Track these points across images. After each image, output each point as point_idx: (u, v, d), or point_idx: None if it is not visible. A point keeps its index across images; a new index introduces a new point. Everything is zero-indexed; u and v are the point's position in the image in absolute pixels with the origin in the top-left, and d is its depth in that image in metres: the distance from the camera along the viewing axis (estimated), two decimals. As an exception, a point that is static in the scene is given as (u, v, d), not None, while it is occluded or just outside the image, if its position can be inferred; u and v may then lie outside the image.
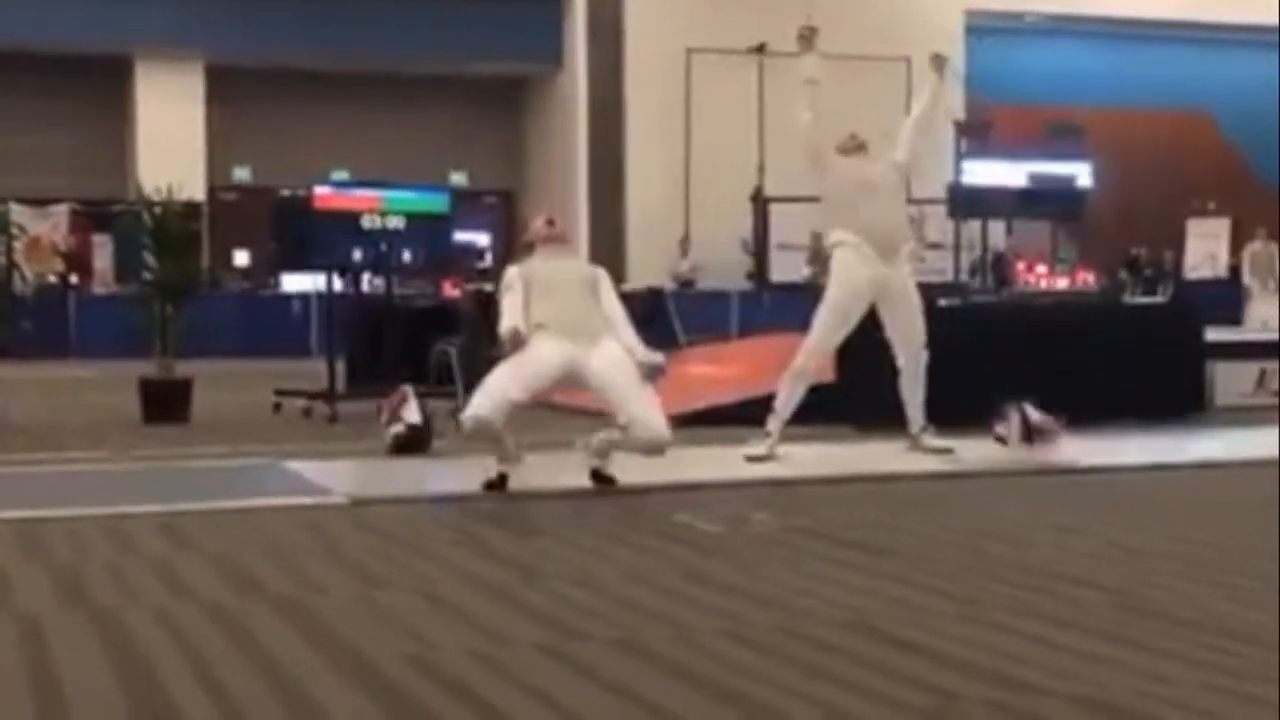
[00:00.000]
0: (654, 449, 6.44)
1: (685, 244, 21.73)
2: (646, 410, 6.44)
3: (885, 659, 3.70)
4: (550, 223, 7.03)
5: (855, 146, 7.94)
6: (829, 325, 7.65)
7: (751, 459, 7.37)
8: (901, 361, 7.75)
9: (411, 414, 7.97)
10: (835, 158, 7.87)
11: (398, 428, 7.91)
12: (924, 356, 7.77)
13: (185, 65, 22.20)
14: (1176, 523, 6.01)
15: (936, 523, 5.98)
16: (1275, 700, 3.29)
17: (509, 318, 6.57)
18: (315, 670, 3.61)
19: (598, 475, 6.65)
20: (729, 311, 19.49)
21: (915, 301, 7.82)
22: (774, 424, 7.55)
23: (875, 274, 7.62)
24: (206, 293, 14.64)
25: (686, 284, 20.53)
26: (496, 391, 6.34)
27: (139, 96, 22.36)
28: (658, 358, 6.63)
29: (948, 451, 7.63)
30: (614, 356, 6.56)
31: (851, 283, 7.63)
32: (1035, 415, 7.57)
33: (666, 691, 3.41)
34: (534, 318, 6.56)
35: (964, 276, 17.51)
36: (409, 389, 8.17)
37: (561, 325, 6.55)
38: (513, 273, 6.85)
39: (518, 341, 6.40)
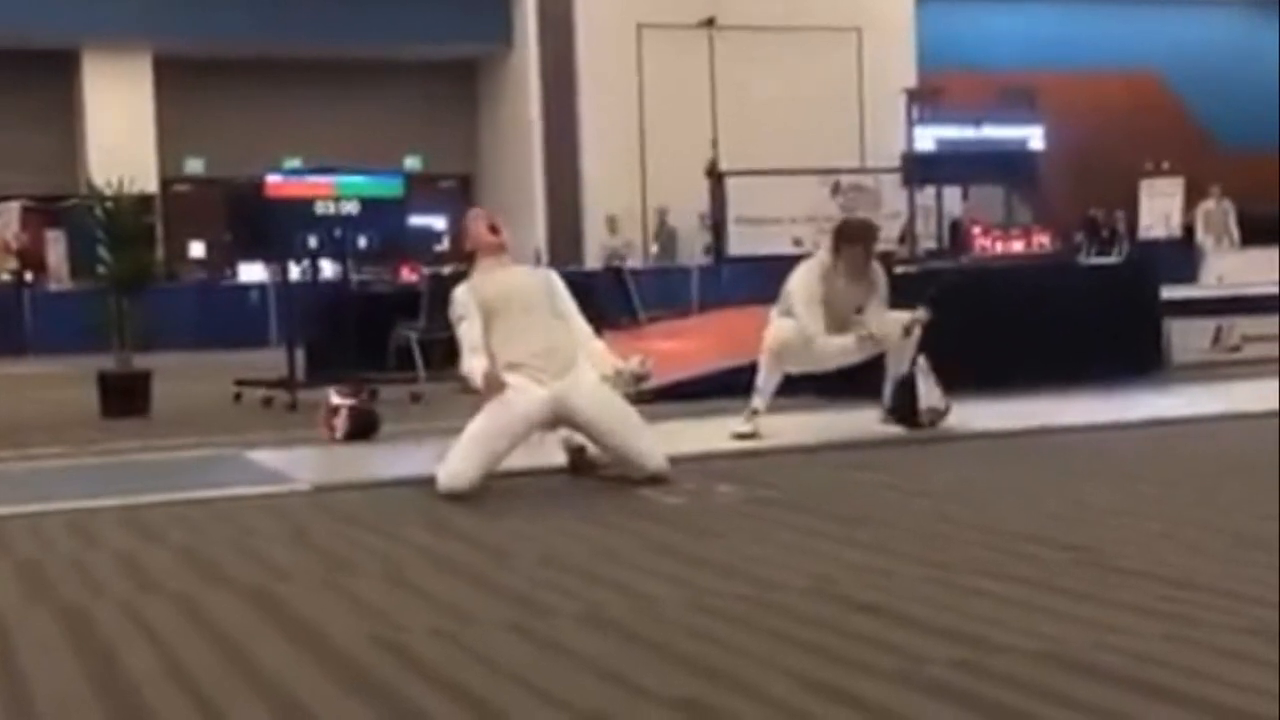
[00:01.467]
0: (657, 480, 6.12)
1: (614, 222, 21.63)
2: (644, 445, 6.22)
3: (853, 624, 3.72)
4: (494, 230, 6.54)
5: (858, 271, 7.48)
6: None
7: (738, 435, 7.33)
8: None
9: (341, 421, 7.92)
10: (829, 289, 7.42)
11: (336, 435, 7.88)
12: (914, 333, 7.51)
13: (133, 57, 22.03)
14: (1137, 480, 6.06)
15: (901, 488, 6.01)
16: (1239, 650, 3.33)
17: (475, 356, 6.20)
18: (284, 656, 3.61)
19: (578, 464, 6.50)
20: (689, 286, 19.49)
21: (877, 317, 7.58)
22: (758, 401, 7.46)
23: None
24: (163, 285, 14.53)
25: (619, 259, 20.38)
26: (475, 455, 6.00)
27: (87, 90, 22.18)
28: (633, 365, 6.34)
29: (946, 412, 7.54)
30: (595, 389, 6.23)
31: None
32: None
33: (635, 664, 3.42)
34: (504, 355, 6.20)
35: (892, 245, 17.58)
36: (333, 397, 8.11)
37: (537, 365, 6.19)
38: (463, 296, 6.35)
39: (496, 386, 6.06)
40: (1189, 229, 23.17)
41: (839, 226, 7.82)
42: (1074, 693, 3.07)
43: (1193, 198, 23.47)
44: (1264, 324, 11.28)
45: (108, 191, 10.04)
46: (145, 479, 6.86)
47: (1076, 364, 9.44)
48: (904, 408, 7.47)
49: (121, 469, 7.34)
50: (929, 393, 7.44)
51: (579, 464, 6.50)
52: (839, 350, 7.49)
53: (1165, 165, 25.00)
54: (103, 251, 9.96)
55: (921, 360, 7.49)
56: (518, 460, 6.32)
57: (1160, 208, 24.21)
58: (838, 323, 7.45)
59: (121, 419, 9.38)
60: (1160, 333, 10.60)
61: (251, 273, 19.70)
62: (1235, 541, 4.58)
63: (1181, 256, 20.44)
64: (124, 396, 9.64)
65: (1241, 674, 3.15)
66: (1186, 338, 10.93)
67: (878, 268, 7.68)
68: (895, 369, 7.58)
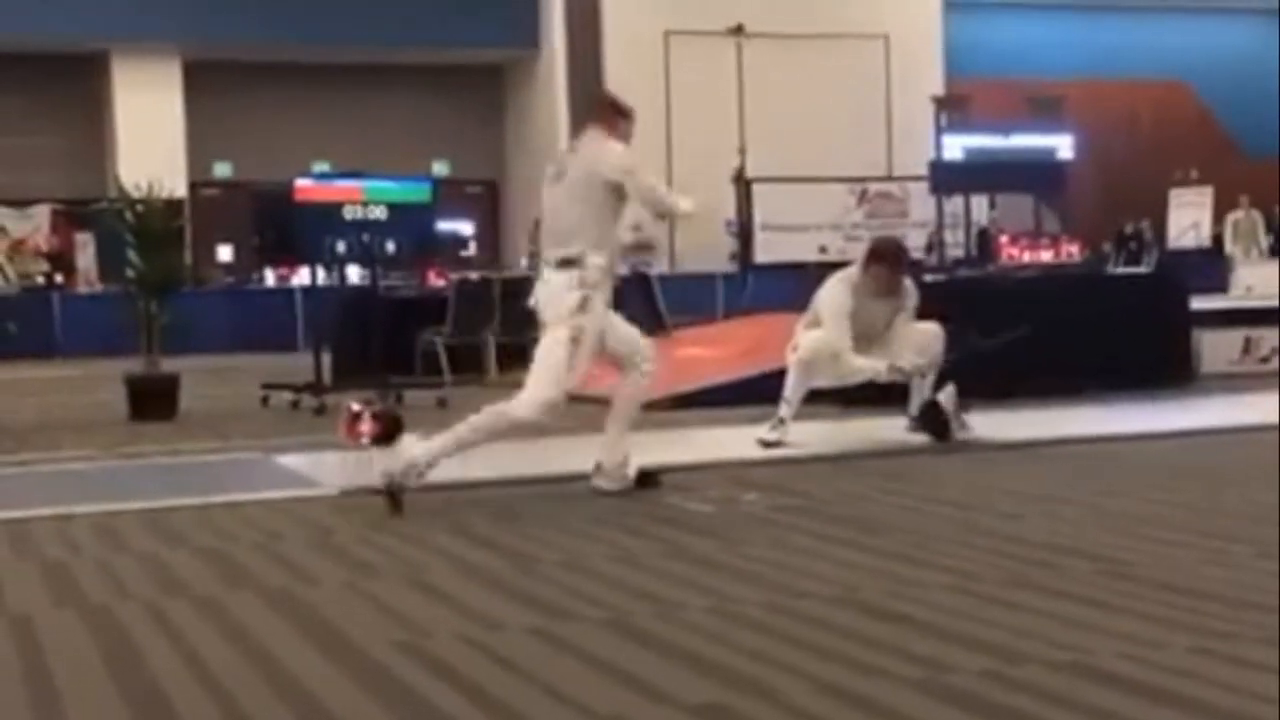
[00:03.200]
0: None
1: (638, 229, 21.60)
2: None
3: (875, 632, 3.71)
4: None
5: (885, 289, 7.52)
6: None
7: (764, 443, 7.31)
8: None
9: (367, 425, 7.86)
10: (857, 303, 7.42)
11: (363, 440, 7.81)
12: (938, 348, 7.54)
13: (162, 60, 22.14)
14: (1164, 490, 6.03)
15: (926, 497, 6.00)
16: (1262, 661, 3.31)
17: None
18: (307, 659, 3.62)
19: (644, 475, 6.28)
20: (714, 293, 19.50)
21: (903, 328, 7.62)
22: (785, 409, 7.43)
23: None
24: (191, 289, 14.60)
25: (644, 266, 20.29)
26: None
27: (117, 93, 22.30)
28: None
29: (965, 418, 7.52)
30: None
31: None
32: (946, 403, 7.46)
33: (656, 669, 3.42)
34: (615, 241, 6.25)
35: (920, 253, 17.57)
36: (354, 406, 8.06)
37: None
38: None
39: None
40: (1218, 239, 23.08)
41: (871, 245, 7.87)
42: (1099, 703, 3.06)
43: (1222, 207, 23.38)
44: (1295, 335, 11.22)
45: (137, 195, 10.08)
46: (172, 482, 6.90)
47: (1105, 374, 9.40)
48: (931, 418, 7.45)
49: (148, 472, 7.37)
50: (955, 416, 7.41)
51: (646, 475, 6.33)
52: (866, 370, 7.48)
53: (1194, 175, 24.91)
54: (131, 255, 10.00)
55: (952, 391, 7.43)
56: (541, 466, 6.32)
57: (1189, 217, 24.12)
58: (865, 337, 7.45)
59: (149, 422, 9.43)
60: (1190, 343, 10.55)
61: (279, 276, 19.84)
62: (1262, 553, 4.56)
63: (1211, 266, 20.35)
64: (152, 399, 9.68)
65: (1267, 687, 3.13)
66: (1216, 349, 10.87)
67: (909, 284, 7.68)
68: (921, 379, 7.58)
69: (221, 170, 23.26)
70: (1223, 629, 3.61)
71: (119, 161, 20.67)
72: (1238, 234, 22.34)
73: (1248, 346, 11.10)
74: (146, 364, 9.91)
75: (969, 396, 7.47)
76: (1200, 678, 3.22)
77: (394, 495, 5.79)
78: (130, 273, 10.04)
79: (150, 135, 21.42)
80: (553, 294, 5.95)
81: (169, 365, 9.94)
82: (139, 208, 10.05)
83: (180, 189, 19.72)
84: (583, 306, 5.89)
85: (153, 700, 3.32)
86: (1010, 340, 7.77)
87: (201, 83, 22.18)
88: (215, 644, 3.80)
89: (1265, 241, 22.38)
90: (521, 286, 13.05)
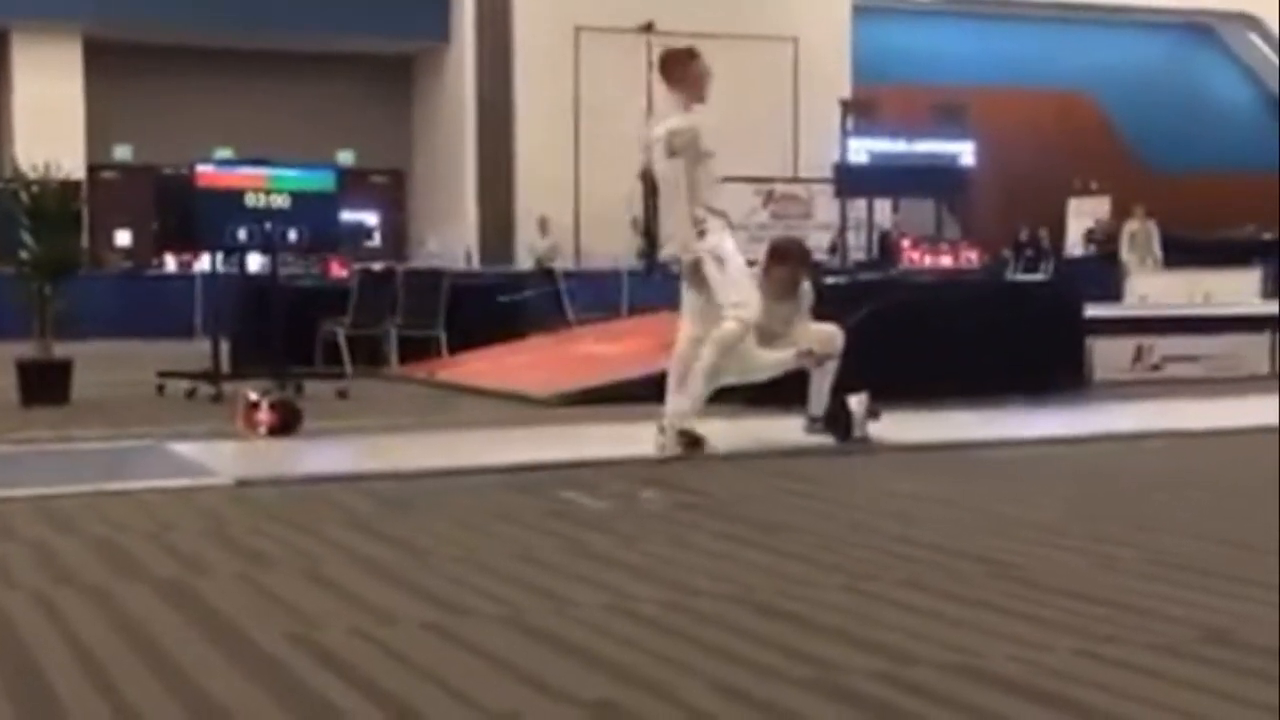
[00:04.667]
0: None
1: (545, 224, 21.61)
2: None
3: (769, 631, 3.74)
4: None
5: (786, 291, 7.67)
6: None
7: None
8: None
9: (265, 415, 7.80)
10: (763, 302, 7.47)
11: (260, 430, 7.75)
12: (838, 343, 7.60)
13: (63, 39, 21.78)
14: (1056, 495, 6.12)
15: (824, 497, 6.05)
16: (1145, 665, 3.38)
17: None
18: (198, 651, 3.57)
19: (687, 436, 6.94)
20: (620, 290, 19.52)
21: (800, 328, 7.69)
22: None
23: None
24: (87, 273, 14.34)
25: (549, 262, 20.33)
26: None
27: (15, 71, 21.91)
28: None
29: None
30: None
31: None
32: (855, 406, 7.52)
33: (551, 665, 3.42)
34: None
35: (823, 254, 17.72)
36: (250, 393, 8.00)
37: None
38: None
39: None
40: (1110, 245, 23.48)
41: (772, 246, 7.89)
42: (988, 705, 3.10)
43: (1119, 217, 23.80)
44: (1184, 344, 11.46)
45: (33, 175, 9.91)
46: (63, 469, 6.77)
47: (1001, 379, 9.51)
48: (836, 419, 7.50)
49: (38, 458, 7.25)
50: (861, 421, 7.47)
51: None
52: (776, 362, 7.53)
53: (1093, 185, 25.34)
54: (26, 236, 9.83)
55: (864, 397, 7.49)
56: (438, 459, 6.28)
57: (1086, 226, 24.52)
58: (766, 336, 7.49)
59: (40, 408, 9.27)
60: (1083, 350, 10.73)
61: (178, 262, 19.58)
62: (1151, 559, 4.65)
63: (1106, 275, 20.72)
64: (43, 385, 9.51)
65: (1152, 691, 3.20)
66: (1108, 356, 11.07)
67: (806, 285, 7.74)
68: (820, 380, 7.63)
69: (122, 153, 22.91)
70: (1107, 633, 3.68)
71: (16, 141, 20.30)
72: (1133, 244, 22.72)
73: (1139, 354, 11.32)
74: (39, 348, 9.73)
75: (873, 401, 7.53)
76: (1085, 681, 3.27)
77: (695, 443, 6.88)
78: (24, 255, 9.86)
79: (50, 115, 21.06)
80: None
81: (62, 350, 9.77)
82: (35, 188, 9.87)
83: (79, 171, 19.39)
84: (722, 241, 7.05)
85: (37, 693, 3.26)
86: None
87: (103, 64, 21.84)
88: (104, 635, 3.74)
89: (1159, 252, 22.79)
90: (424, 278, 13.04)
